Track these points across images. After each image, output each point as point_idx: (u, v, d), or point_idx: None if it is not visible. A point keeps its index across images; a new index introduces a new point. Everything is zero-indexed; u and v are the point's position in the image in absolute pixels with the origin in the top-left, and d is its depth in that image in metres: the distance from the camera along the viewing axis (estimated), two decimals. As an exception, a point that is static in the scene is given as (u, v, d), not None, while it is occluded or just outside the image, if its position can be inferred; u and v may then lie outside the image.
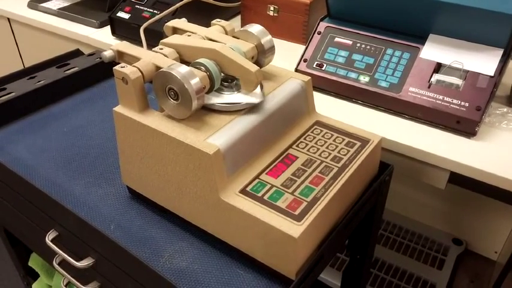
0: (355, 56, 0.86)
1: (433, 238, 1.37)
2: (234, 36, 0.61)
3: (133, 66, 0.54)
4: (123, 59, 0.58)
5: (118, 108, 0.56)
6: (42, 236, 0.64)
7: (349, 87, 0.84)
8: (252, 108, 0.56)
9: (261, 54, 0.60)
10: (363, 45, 0.86)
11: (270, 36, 0.60)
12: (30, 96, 0.80)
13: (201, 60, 0.54)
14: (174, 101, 0.52)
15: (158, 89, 0.53)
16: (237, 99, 0.55)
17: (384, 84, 0.82)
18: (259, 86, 0.56)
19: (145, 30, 0.94)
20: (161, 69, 0.51)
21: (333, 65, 0.86)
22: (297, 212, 0.49)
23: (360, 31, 0.87)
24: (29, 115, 0.81)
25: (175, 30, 0.64)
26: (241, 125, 0.53)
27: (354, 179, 0.56)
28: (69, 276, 0.62)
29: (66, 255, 0.59)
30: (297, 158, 0.56)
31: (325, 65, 0.87)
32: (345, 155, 0.57)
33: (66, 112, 0.81)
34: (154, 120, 0.54)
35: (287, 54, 0.99)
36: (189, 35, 0.61)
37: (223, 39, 0.59)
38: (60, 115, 0.81)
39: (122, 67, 0.54)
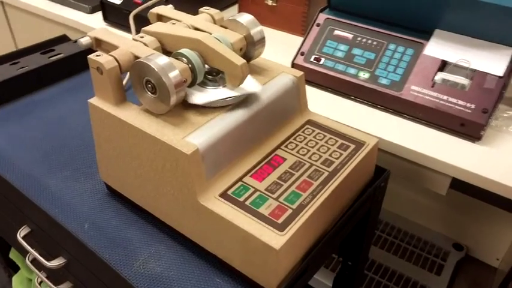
0: (355, 51, 0.82)
1: (433, 242, 1.32)
2: (222, 26, 0.56)
3: (110, 55, 0.50)
4: (101, 46, 0.54)
5: (93, 100, 0.52)
6: (16, 231, 0.60)
7: (348, 83, 0.80)
8: (237, 105, 0.52)
9: (251, 46, 0.55)
10: (364, 39, 0.82)
11: (260, 27, 0.55)
12: (12, 83, 0.76)
13: (183, 50, 0.50)
14: (152, 95, 0.48)
15: (135, 80, 0.49)
16: (221, 95, 0.51)
17: (384, 81, 0.77)
18: (248, 80, 0.51)
19: (136, 17, 0.90)
20: (138, 60, 0.47)
21: (332, 59, 0.82)
22: (280, 221, 0.45)
23: (361, 24, 0.83)
24: (9, 103, 0.77)
25: (160, 18, 0.59)
26: (225, 122, 0.49)
27: (346, 185, 0.51)
28: (41, 275, 0.58)
29: (36, 254, 0.55)
30: (284, 160, 0.52)
31: (323, 59, 0.83)
32: (337, 158, 0.53)
33: (49, 101, 0.77)
34: (130, 115, 0.50)
35: (285, 47, 0.94)
36: (173, 23, 0.56)
37: (209, 28, 0.55)
38: (42, 104, 0.77)
39: (97, 56, 0.50)
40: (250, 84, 0.52)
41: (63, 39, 0.91)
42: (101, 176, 0.58)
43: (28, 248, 0.56)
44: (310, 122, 0.58)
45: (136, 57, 0.50)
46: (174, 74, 0.46)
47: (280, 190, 0.48)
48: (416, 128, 0.74)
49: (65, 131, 0.70)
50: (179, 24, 0.56)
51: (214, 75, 0.53)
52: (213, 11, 0.59)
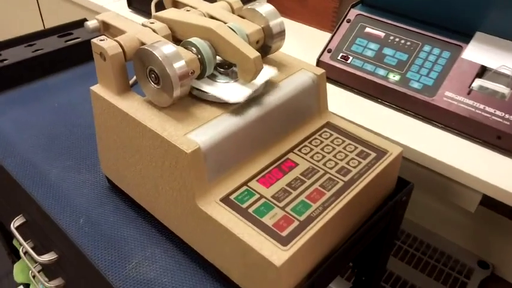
0: (386, 51, 0.76)
1: (456, 257, 1.25)
2: (240, 16, 0.52)
3: (115, 40, 0.46)
4: (109, 31, 0.51)
5: (95, 88, 0.49)
6: (11, 220, 0.58)
7: (376, 85, 0.74)
8: (249, 102, 0.47)
9: (268, 39, 0.51)
10: (397, 39, 0.76)
11: (281, 19, 0.51)
12: (25, 65, 0.74)
13: (192, 39, 0.46)
14: (155, 85, 0.44)
15: (138, 69, 0.45)
16: (232, 90, 0.46)
17: (416, 85, 0.72)
18: (263, 75, 0.47)
19: (158, 4, 0.86)
20: (141, 47, 0.43)
21: (360, 58, 0.77)
22: (284, 233, 0.40)
23: (394, 22, 0.77)
24: (21, 86, 0.74)
25: (176, 4, 0.56)
26: (233, 120, 0.45)
27: (362, 198, 0.46)
28: (33, 269, 0.55)
29: (28, 247, 0.52)
30: (296, 164, 0.48)
31: (351, 57, 0.77)
32: (354, 167, 0.48)
33: (61, 86, 0.75)
34: (131, 106, 0.46)
35: (311, 43, 0.89)
36: (188, 10, 0.52)
37: (225, 17, 0.51)
38: (54, 88, 0.74)
39: (100, 40, 0.46)
40: (265, 73, 0.47)
41: (82, 23, 0.88)
42: (102, 168, 0.55)
43: (21, 239, 0.53)
44: (328, 125, 0.53)
45: (143, 44, 0.46)
46: (179, 65, 0.42)
47: (288, 198, 0.44)
48: (448, 138, 0.68)
49: (73, 119, 0.67)
50: (194, 11, 0.52)
51: (226, 68, 0.48)
52: (233, -2, 0.55)
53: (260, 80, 0.47)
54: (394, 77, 0.73)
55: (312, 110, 0.53)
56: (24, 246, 0.52)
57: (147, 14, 0.98)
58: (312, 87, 0.52)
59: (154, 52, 0.42)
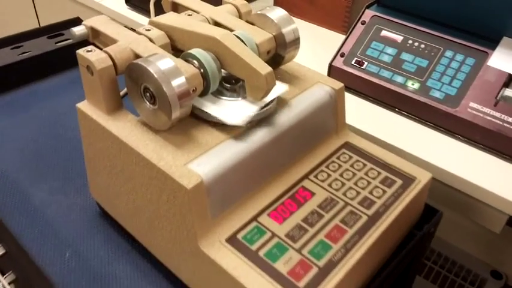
0: (405, 56, 0.69)
1: (468, 267, 1.19)
2: (248, 21, 0.46)
3: (104, 51, 0.40)
4: (99, 39, 0.44)
5: (82, 105, 0.42)
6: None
7: (393, 93, 0.68)
8: (258, 122, 0.41)
9: (281, 48, 0.45)
10: (416, 43, 0.70)
11: (294, 25, 0.44)
12: (11, 70, 0.68)
13: (194, 51, 0.39)
14: (151, 105, 0.38)
15: (131, 86, 0.39)
16: (240, 109, 0.40)
17: (437, 94, 0.65)
18: (273, 92, 0.41)
19: (158, 3, 0.79)
20: (134, 61, 0.37)
21: (376, 63, 0.70)
22: (302, 284, 0.34)
23: (413, 25, 0.71)
24: (6, 93, 0.68)
25: (176, 7, 0.49)
26: (241, 145, 0.39)
27: (388, 235, 0.40)
28: None
29: (5, 283, 0.46)
30: (313, 194, 0.41)
31: (366, 62, 0.71)
32: (379, 197, 0.42)
33: (51, 93, 0.69)
34: (123, 128, 0.40)
35: (322, 45, 0.83)
36: (189, 15, 0.46)
37: (232, 23, 0.44)
38: (42, 96, 0.68)
39: (87, 51, 0.40)
40: (275, 89, 0.41)
41: (76, 22, 0.82)
42: (91, 192, 0.49)
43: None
44: (347, 146, 0.47)
45: (137, 56, 0.40)
46: (178, 82, 0.36)
47: (305, 238, 0.38)
48: (472, 153, 0.62)
49: (62, 130, 0.61)
50: (196, 16, 0.46)
51: (232, 84, 0.42)
52: (240, 1, 0.48)
53: (271, 97, 0.41)
54: (413, 85, 0.67)
55: (328, 128, 0.47)
56: (2, 281, 0.46)
57: (145, 11, 0.92)
58: (329, 103, 0.46)
59: (148, 68, 0.36)
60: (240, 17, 0.48)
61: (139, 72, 0.37)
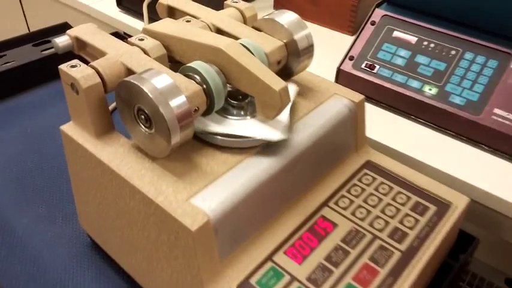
0: (420, 58, 0.64)
1: (482, 275, 1.14)
2: (254, 27, 0.40)
3: (91, 66, 0.34)
4: (85, 50, 0.39)
5: (67, 128, 0.37)
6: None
7: (409, 99, 0.63)
8: (270, 145, 0.36)
9: (293, 58, 0.39)
10: (432, 45, 0.64)
11: (307, 30, 0.39)
12: (-8, 81, 0.62)
13: (195, 64, 0.34)
14: (146, 129, 0.32)
15: (122, 107, 0.33)
16: (249, 131, 0.35)
17: (457, 100, 0.60)
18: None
19: (152, 5, 0.74)
20: (125, 79, 0.31)
21: (389, 67, 0.65)
22: None
23: (428, 25, 0.65)
24: (-13, 106, 0.63)
25: (172, 12, 0.44)
26: (252, 172, 0.33)
27: (426, 273, 0.35)
28: None
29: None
30: (334, 225, 0.36)
31: (377, 66, 0.66)
32: (411, 227, 0.36)
33: (37, 106, 0.63)
34: (115, 154, 0.34)
35: (327, 47, 0.77)
36: (188, 21, 0.40)
37: (237, 30, 0.39)
38: (28, 109, 0.62)
39: (71, 66, 0.34)
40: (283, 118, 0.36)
41: (64, 27, 0.76)
42: (80, 222, 0.43)
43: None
44: (369, 165, 0.42)
45: (130, 71, 0.35)
46: (178, 102, 0.31)
47: (330, 281, 0.32)
48: (497, 164, 0.57)
49: (49, 148, 0.56)
50: (195, 22, 0.40)
51: (239, 100, 0.37)
52: (243, 4, 0.43)
53: (285, 114, 0.35)
54: (430, 90, 0.62)
55: (348, 146, 0.41)
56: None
57: (138, 14, 0.86)
58: (348, 118, 0.40)
59: (142, 87, 0.30)
60: (245, 22, 0.42)
61: (131, 92, 0.31)
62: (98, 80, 0.34)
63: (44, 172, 0.53)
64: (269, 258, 0.34)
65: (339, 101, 0.41)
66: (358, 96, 0.41)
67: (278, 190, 0.35)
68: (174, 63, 0.38)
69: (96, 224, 0.40)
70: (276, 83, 0.32)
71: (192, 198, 0.31)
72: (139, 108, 0.32)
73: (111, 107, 0.46)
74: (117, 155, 0.34)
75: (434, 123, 0.62)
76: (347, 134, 0.41)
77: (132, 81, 0.30)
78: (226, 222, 0.31)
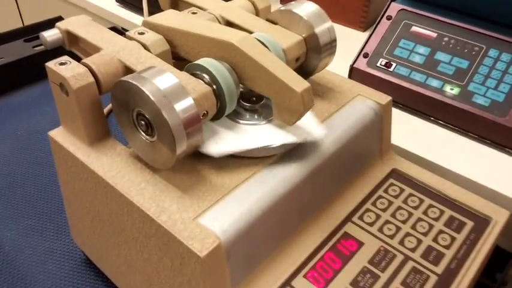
0: (440, 56, 0.60)
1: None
2: (269, 20, 0.36)
3: (83, 63, 0.30)
4: (78, 46, 0.34)
5: (56, 133, 0.32)
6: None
7: (428, 99, 0.58)
8: (289, 153, 0.31)
9: (313, 54, 0.35)
10: (453, 41, 0.60)
11: (329, 23, 0.35)
12: (-20, 80, 0.58)
13: (203, 61, 0.30)
14: (147, 137, 0.28)
15: (119, 111, 0.29)
16: (266, 137, 0.30)
17: (481, 100, 0.56)
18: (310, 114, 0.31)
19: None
20: (123, 79, 0.27)
21: (407, 65, 0.60)
22: None
23: (449, 19, 0.61)
24: (-26, 107, 0.58)
25: (176, 3, 0.39)
26: (269, 186, 0.29)
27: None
28: None
29: None
30: (360, 244, 0.32)
31: (394, 64, 0.61)
32: (447, 246, 0.32)
33: (28, 106, 0.59)
34: (110, 165, 0.30)
35: (338, 44, 0.73)
36: (194, 12, 0.36)
37: (250, 23, 0.34)
38: (18, 109, 0.58)
39: (61, 64, 0.30)
40: (310, 122, 0.31)
41: (57, 21, 0.71)
42: (72, 237, 0.39)
43: None
44: (395, 174, 0.37)
45: (128, 69, 0.30)
46: (184, 106, 0.26)
47: (358, 311, 0.28)
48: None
49: (41, 152, 0.51)
50: (202, 14, 0.36)
51: (253, 102, 0.32)
52: (255, -6, 0.38)
53: (307, 120, 0.31)
54: (451, 90, 0.57)
55: (372, 153, 0.37)
56: None
57: (138, 9, 0.82)
58: (374, 122, 0.36)
59: (143, 88, 0.26)
60: (257, 14, 0.38)
61: (130, 94, 0.27)
62: (91, 79, 0.29)
63: (35, 179, 0.48)
64: (287, 283, 0.29)
65: (364, 103, 0.36)
66: (385, 98, 0.37)
67: (297, 205, 0.31)
68: (179, 60, 0.34)
69: (90, 240, 0.36)
70: (297, 83, 0.28)
71: (201, 217, 0.27)
72: (138, 112, 0.27)
73: (106, 110, 0.42)
74: (113, 166, 0.30)
75: (455, 125, 0.57)
76: (372, 140, 0.36)
77: (130, 81, 0.26)
78: (240, 245, 0.27)
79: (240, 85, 0.31)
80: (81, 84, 0.29)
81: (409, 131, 0.57)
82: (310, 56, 0.35)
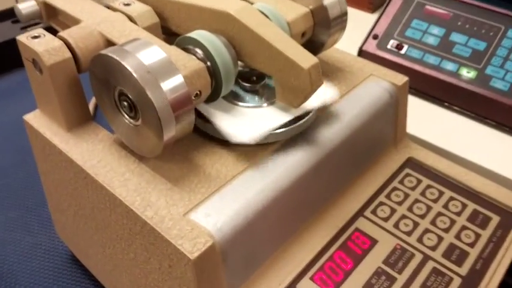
0: (456, 37, 0.56)
1: None
2: (270, -10, 0.32)
3: (59, 36, 0.26)
4: (56, 19, 0.31)
5: (32, 117, 0.29)
6: None
7: (443, 83, 0.54)
8: (293, 140, 0.28)
9: (321, 29, 0.31)
10: (470, 21, 0.56)
11: (340, -6, 0.31)
12: (-36, 63, 0.54)
13: (196, 34, 0.26)
14: (130, 120, 0.24)
15: (99, 90, 0.25)
16: (268, 121, 0.27)
17: (500, 85, 0.52)
18: (319, 96, 0.27)
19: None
20: (104, 51, 0.23)
21: (419, 47, 0.57)
22: None
23: (466, -2, 0.57)
24: (-42, 92, 0.55)
25: (168, -27, 0.35)
26: (270, 177, 0.26)
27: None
28: None
29: None
30: (373, 242, 0.28)
31: (406, 46, 0.57)
32: (471, 244, 0.28)
33: (14, 92, 0.55)
34: (91, 152, 0.26)
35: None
36: (186, -18, 0.32)
37: (249, -7, 0.31)
38: (3, 96, 0.55)
39: (34, 37, 0.26)
40: (320, 96, 0.28)
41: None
42: (58, 234, 0.36)
43: None
44: (411, 163, 0.34)
45: (110, 43, 0.27)
46: (173, 84, 0.22)
47: (373, 319, 0.25)
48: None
49: (25, 141, 0.48)
50: (196, -17, 0.32)
51: (253, 82, 0.29)
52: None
53: (313, 103, 0.27)
54: (468, 73, 0.54)
55: (386, 140, 0.33)
56: None
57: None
58: (389, 105, 0.32)
59: (123, 63, 0.22)
60: (258, -15, 0.34)
61: (110, 70, 0.23)
62: (68, 54, 0.26)
63: (18, 170, 0.45)
64: (292, 286, 0.26)
65: (377, 84, 0.32)
66: (401, 78, 0.33)
67: (303, 198, 0.27)
68: (170, 35, 0.30)
69: (74, 235, 0.32)
70: (304, 58, 0.24)
71: (192, 212, 0.23)
72: (120, 91, 0.24)
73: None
74: (94, 153, 0.26)
75: (472, 111, 0.54)
76: (386, 125, 0.33)
77: (109, 54, 0.22)
78: (238, 245, 0.23)
79: (239, 62, 0.27)
80: (56, 60, 0.25)
81: (421, 118, 0.53)
82: (317, 31, 0.31)
